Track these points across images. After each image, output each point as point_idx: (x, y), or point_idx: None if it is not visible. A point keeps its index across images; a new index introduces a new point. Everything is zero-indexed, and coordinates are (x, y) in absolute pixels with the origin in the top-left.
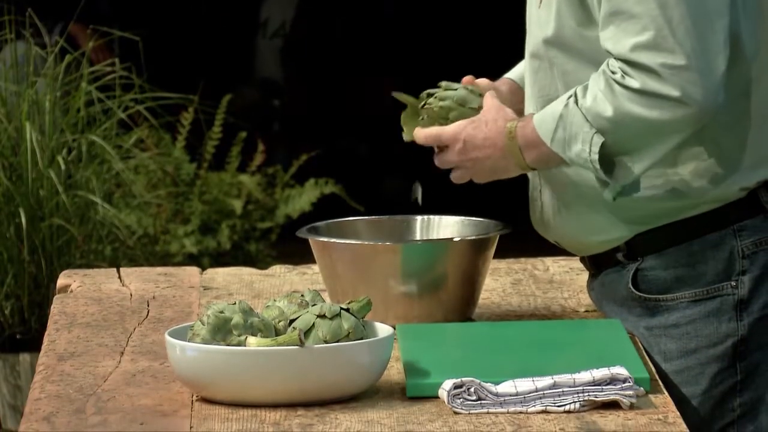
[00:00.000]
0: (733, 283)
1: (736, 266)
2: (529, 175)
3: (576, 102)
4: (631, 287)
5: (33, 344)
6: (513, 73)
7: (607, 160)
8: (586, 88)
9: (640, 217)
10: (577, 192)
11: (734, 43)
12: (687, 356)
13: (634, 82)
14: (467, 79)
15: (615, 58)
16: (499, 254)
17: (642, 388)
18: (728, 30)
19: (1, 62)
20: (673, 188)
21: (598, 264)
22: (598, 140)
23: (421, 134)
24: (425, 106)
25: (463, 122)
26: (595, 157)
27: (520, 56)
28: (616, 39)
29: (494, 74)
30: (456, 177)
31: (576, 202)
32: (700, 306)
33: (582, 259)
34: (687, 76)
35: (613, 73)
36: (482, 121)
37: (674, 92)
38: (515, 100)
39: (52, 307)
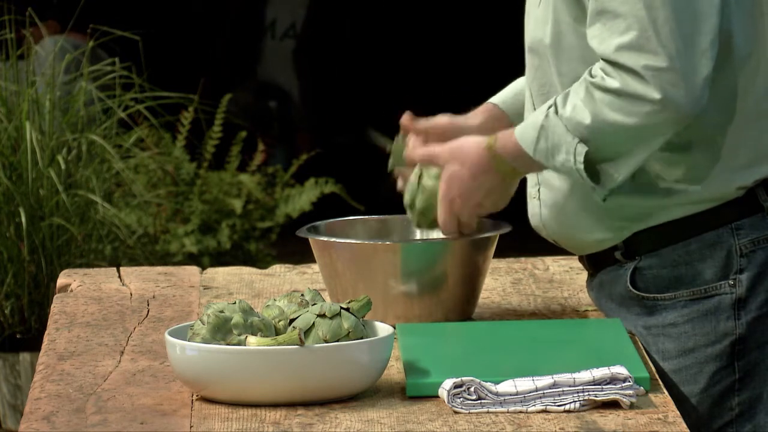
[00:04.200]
0: (731, 282)
1: (734, 265)
2: (527, 174)
3: (556, 112)
4: (630, 286)
5: (33, 344)
6: (498, 98)
7: (593, 167)
8: (566, 97)
9: (637, 215)
10: (574, 191)
11: (727, 41)
12: (685, 355)
13: (614, 83)
14: (405, 123)
15: (600, 58)
16: (499, 254)
17: (642, 388)
18: (716, 31)
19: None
20: (670, 188)
21: (596, 263)
22: (582, 150)
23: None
24: (421, 184)
25: (443, 187)
26: (581, 166)
27: (520, 59)
28: (601, 38)
29: (498, 76)
30: (473, 224)
31: (573, 201)
32: (698, 305)
33: (581, 259)
34: (669, 77)
35: (593, 77)
36: (458, 170)
37: (655, 94)
38: (498, 126)
39: (52, 306)
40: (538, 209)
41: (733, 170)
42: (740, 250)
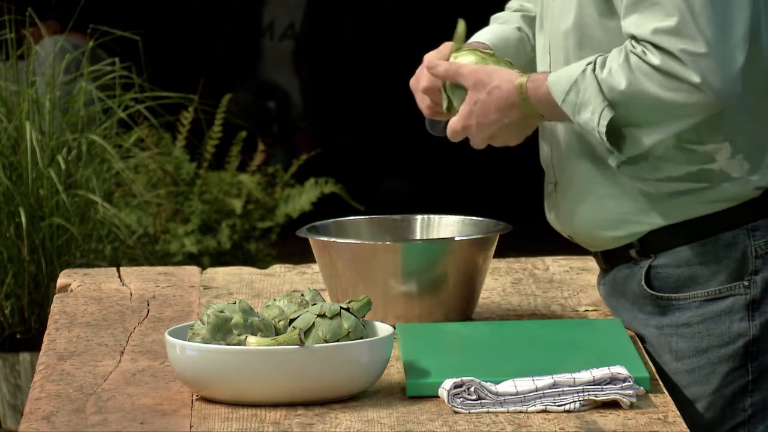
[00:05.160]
0: (746, 283)
1: (749, 266)
2: (546, 168)
3: (593, 70)
4: (644, 285)
5: (33, 344)
6: (484, 38)
7: (614, 131)
8: (605, 59)
9: (654, 213)
10: (592, 188)
11: (754, 40)
12: (698, 355)
13: (655, 59)
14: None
15: (638, 40)
16: (499, 254)
17: (642, 388)
18: (749, 25)
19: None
20: (687, 186)
21: (610, 260)
22: (608, 114)
23: (448, 129)
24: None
25: (465, 110)
26: (603, 129)
27: None
28: (638, 24)
29: None
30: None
31: (591, 198)
32: (712, 305)
33: (594, 255)
34: (707, 63)
35: (634, 48)
36: (484, 98)
37: (694, 78)
38: None
39: (52, 306)
40: (555, 205)
41: (752, 170)
42: (755, 252)
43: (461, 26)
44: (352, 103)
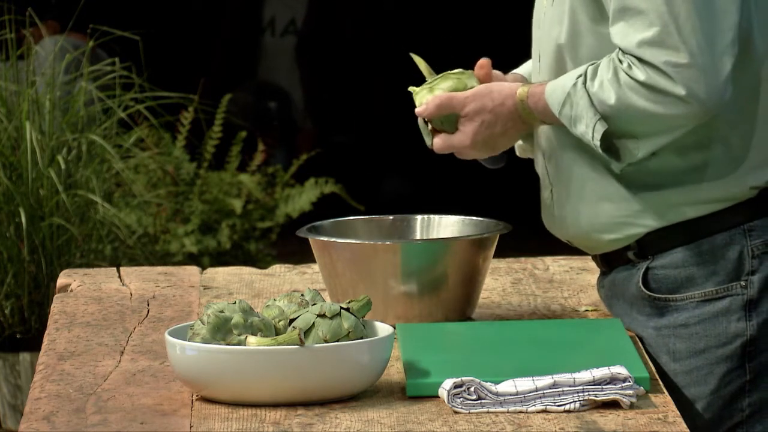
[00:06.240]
0: (743, 284)
1: (746, 266)
2: (540, 175)
3: (584, 83)
4: (642, 286)
5: (33, 344)
6: (522, 70)
7: (611, 141)
8: (596, 71)
9: (651, 215)
10: (588, 192)
11: (745, 40)
12: (696, 356)
13: (640, 74)
14: (483, 62)
15: (624, 53)
16: (499, 254)
17: (642, 388)
18: (737, 29)
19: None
20: (683, 187)
21: (608, 262)
22: (601, 128)
23: (438, 146)
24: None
25: (473, 128)
26: (598, 143)
27: (522, 59)
28: (623, 34)
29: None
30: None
31: (587, 202)
32: (710, 306)
33: (593, 257)
34: (691, 74)
35: (621, 62)
36: (489, 119)
37: (679, 90)
38: None
39: (52, 306)
40: (551, 211)
41: (747, 170)
42: (752, 252)
43: (419, 61)
44: (352, 103)
